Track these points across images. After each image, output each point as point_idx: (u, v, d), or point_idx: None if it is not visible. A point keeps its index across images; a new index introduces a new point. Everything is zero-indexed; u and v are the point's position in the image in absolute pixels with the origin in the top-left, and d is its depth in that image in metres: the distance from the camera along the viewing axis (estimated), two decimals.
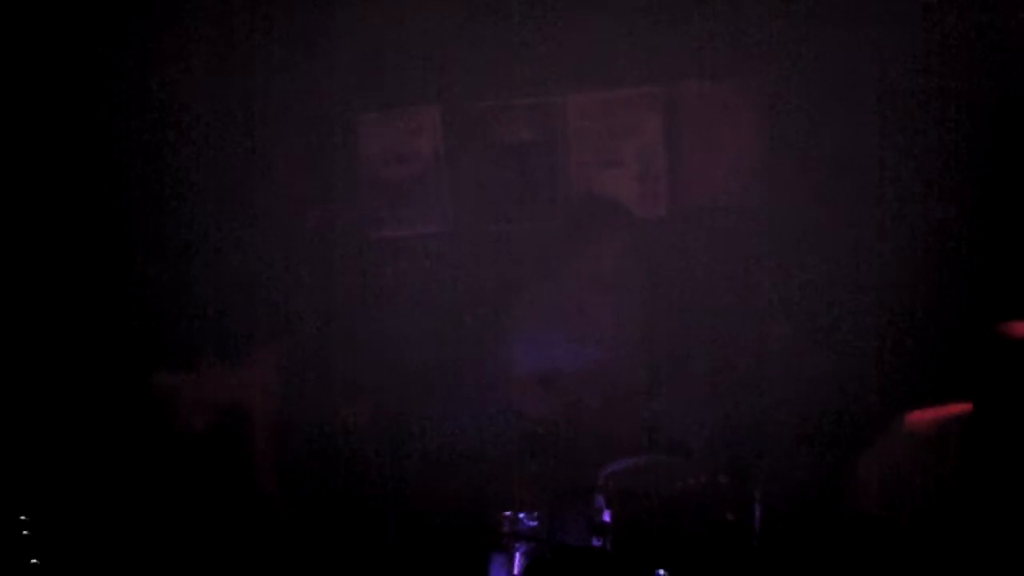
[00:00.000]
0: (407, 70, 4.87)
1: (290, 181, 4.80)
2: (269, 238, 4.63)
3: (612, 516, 3.82)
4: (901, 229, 5.00)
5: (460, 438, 4.71)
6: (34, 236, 4.30)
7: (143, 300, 4.26)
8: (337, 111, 4.86)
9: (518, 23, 4.83)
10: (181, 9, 4.48)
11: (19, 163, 4.32)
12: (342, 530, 4.04)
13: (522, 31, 4.86)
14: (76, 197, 4.35)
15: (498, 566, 3.75)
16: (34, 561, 3.53)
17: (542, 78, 4.98)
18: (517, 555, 3.76)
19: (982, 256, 4.68)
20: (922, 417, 3.24)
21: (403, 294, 4.96)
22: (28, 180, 4.32)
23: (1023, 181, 4.75)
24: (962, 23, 4.78)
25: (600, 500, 3.89)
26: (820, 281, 5.01)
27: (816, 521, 4.10)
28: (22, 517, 3.58)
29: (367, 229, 4.96)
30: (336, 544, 3.97)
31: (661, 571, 3.67)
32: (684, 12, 4.89)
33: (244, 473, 3.79)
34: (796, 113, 5.19)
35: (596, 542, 3.82)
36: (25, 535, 3.56)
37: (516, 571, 3.72)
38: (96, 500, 3.55)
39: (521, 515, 3.85)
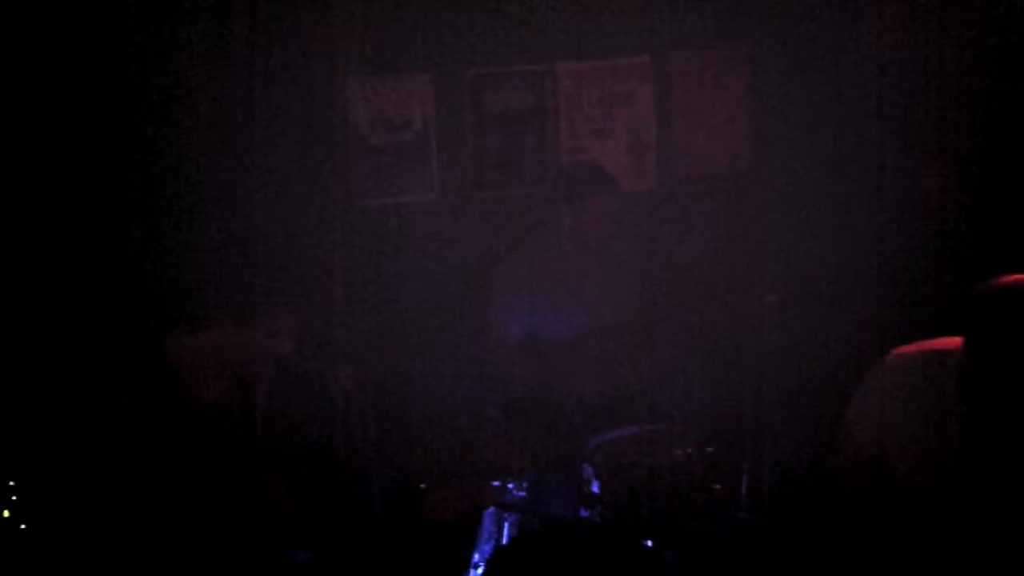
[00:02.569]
0: (399, 36, 4.83)
1: (279, 146, 4.76)
2: (262, 205, 4.61)
3: (600, 487, 3.84)
4: (893, 196, 5.01)
5: (447, 404, 4.73)
6: (42, 205, 4.27)
7: (148, 266, 4.26)
8: (327, 76, 4.81)
9: None
10: None
11: (17, 135, 4.28)
12: (328, 496, 4.05)
13: None
14: (83, 168, 4.33)
15: (486, 536, 3.76)
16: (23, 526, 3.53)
17: (534, 46, 4.95)
18: (505, 525, 3.78)
19: (976, 224, 4.70)
20: (908, 351, 3.27)
21: (391, 261, 4.95)
22: (28, 152, 4.28)
23: (1012, 155, 4.76)
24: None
25: (588, 471, 3.90)
26: (812, 249, 5.02)
27: (804, 492, 4.13)
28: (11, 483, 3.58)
29: (356, 196, 4.93)
30: (322, 511, 3.98)
31: (649, 542, 3.69)
32: None
33: (251, 440, 3.79)
34: (787, 83, 5.19)
35: (584, 513, 3.84)
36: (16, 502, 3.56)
37: (504, 541, 3.74)
38: (105, 469, 3.54)
39: (510, 485, 3.87)
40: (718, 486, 3.87)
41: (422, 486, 4.03)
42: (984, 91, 4.73)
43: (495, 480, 3.88)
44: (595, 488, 3.85)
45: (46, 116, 4.29)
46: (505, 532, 3.76)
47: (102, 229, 4.35)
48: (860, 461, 3.30)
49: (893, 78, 4.97)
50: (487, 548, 3.72)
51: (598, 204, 4.44)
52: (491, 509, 3.80)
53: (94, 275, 4.28)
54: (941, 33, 4.77)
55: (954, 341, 3.14)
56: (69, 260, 4.27)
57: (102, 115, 4.36)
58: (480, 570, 3.67)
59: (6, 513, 3.53)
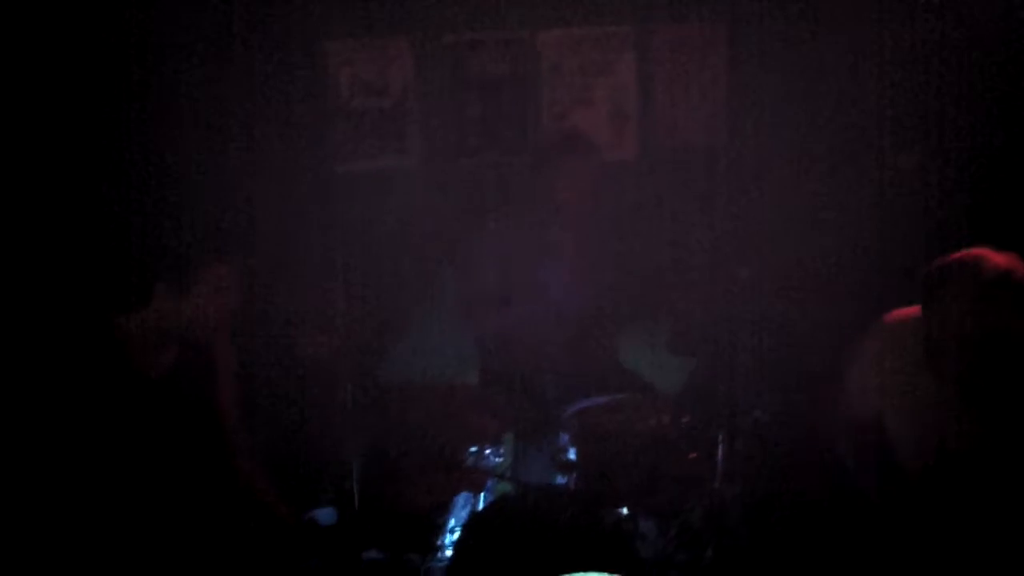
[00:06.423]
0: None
1: (257, 108, 4.71)
2: (236, 165, 4.55)
3: (577, 454, 3.84)
4: (870, 172, 5.03)
5: (424, 371, 4.72)
6: None
7: (98, 235, 4.16)
8: (307, 39, 4.76)
9: None
10: None
11: None
12: (302, 465, 4.02)
13: None
14: (22, 132, 4.20)
15: (462, 502, 3.75)
16: None
17: (516, 12, 4.92)
18: (481, 491, 3.77)
19: (952, 199, 4.73)
20: (901, 313, 3.34)
21: (367, 226, 4.92)
22: None
23: (990, 133, 4.79)
24: None
25: (565, 438, 3.90)
26: (786, 224, 5.04)
27: (779, 461, 4.15)
28: None
29: (335, 160, 4.89)
30: (295, 480, 3.94)
31: (624, 510, 3.70)
32: None
33: (209, 411, 3.72)
34: (767, 58, 5.18)
35: (560, 480, 3.84)
36: None
37: (480, 507, 3.73)
38: (58, 452, 3.45)
39: (487, 451, 3.86)
40: (694, 455, 3.88)
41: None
42: (964, 69, 4.75)
43: (472, 446, 3.87)
44: (571, 455, 3.85)
45: None
46: (481, 497, 3.76)
47: (46, 205, 4.24)
48: (859, 425, 3.35)
49: (871, 55, 4.99)
50: (463, 513, 3.71)
51: (571, 167, 4.39)
52: (468, 474, 3.80)
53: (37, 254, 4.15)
54: (920, 10, 4.79)
55: None
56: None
57: (55, 90, 4.26)
58: (455, 534, 3.66)
59: None
